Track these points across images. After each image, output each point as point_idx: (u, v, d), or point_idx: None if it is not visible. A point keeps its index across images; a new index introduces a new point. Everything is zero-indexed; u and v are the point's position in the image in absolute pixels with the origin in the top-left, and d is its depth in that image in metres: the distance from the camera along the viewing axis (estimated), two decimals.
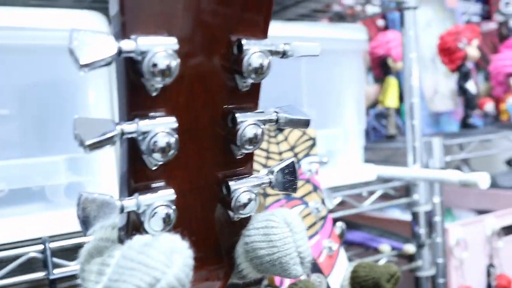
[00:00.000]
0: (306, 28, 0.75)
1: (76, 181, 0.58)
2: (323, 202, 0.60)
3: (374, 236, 0.82)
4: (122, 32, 0.27)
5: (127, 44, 0.27)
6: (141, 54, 0.27)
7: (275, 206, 0.57)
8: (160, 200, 0.30)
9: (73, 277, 0.52)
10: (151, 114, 0.29)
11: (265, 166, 0.58)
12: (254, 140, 0.32)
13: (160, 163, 0.29)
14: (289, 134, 0.61)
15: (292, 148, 0.61)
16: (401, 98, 1.06)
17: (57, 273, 0.52)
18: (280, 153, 0.60)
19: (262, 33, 0.32)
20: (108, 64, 0.26)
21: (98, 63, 0.26)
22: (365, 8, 0.91)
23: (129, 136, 0.28)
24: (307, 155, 0.62)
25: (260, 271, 0.34)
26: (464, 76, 1.10)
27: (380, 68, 1.07)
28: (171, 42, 0.28)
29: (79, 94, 0.58)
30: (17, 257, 0.48)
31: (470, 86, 1.11)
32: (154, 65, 0.27)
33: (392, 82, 1.04)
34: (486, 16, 1.39)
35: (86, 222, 0.28)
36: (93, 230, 0.28)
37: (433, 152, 0.82)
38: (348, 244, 0.84)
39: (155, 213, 0.30)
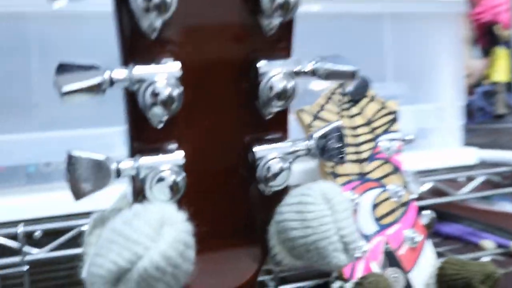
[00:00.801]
0: None
1: None
2: (405, 186, 0.52)
3: (476, 230, 0.71)
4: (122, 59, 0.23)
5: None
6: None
7: (346, 188, 0.49)
8: (165, 163, 0.25)
9: None
10: (152, 59, 0.24)
11: None
12: (283, 96, 0.26)
13: (163, 118, 0.24)
14: (366, 107, 0.53)
15: (368, 123, 0.53)
16: None
17: None
18: (353, 128, 0.52)
19: (284, 51, 0.26)
20: (99, 93, 0.23)
21: (82, 92, 0.22)
22: None
23: (121, 84, 0.24)
24: (386, 131, 0.53)
25: (295, 256, 0.28)
26: None
27: (486, 37, 0.93)
28: None
29: None
30: (69, 229, 0.47)
31: None
32: None
33: (500, 53, 0.90)
34: None
35: (75, 187, 0.24)
36: (85, 196, 0.24)
37: None
38: (443, 238, 0.73)
39: (159, 179, 0.25)
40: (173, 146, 0.26)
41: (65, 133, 0.52)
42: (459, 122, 0.70)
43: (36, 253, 0.46)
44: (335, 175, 0.50)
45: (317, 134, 0.28)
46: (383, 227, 0.49)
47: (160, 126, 0.25)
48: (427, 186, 0.60)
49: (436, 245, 0.74)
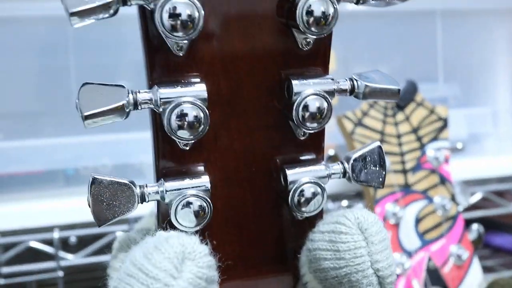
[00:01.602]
0: None
1: None
2: (453, 198, 0.49)
3: None
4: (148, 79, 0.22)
5: None
6: (152, 1, 0.21)
7: (388, 200, 0.47)
8: (192, 188, 0.24)
9: None
10: (179, 80, 0.23)
11: None
12: (318, 117, 0.24)
13: (190, 141, 0.23)
14: (412, 113, 0.50)
15: (415, 131, 0.50)
16: None
17: None
18: (398, 136, 0.49)
19: (321, 66, 0.24)
20: (111, 14, 0.21)
21: (92, 12, 0.20)
22: None
23: (145, 107, 0.22)
24: (434, 139, 0.50)
25: (327, 287, 0.26)
26: None
27: None
28: None
29: None
30: (103, 235, 0.47)
31: None
32: (171, 15, 0.21)
33: None
34: None
35: (98, 213, 0.23)
36: (108, 223, 0.23)
37: None
38: (493, 250, 0.69)
39: (185, 204, 0.24)
40: (201, 169, 0.25)
41: (105, 137, 0.52)
42: None
43: (71, 259, 0.46)
44: None
45: (354, 155, 0.26)
46: (427, 242, 0.47)
47: (187, 148, 0.24)
48: (477, 197, 0.56)
49: (485, 258, 0.70)
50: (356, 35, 0.61)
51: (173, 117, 0.22)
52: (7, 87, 0.52)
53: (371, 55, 0.63)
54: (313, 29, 0.23)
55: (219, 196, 0.25)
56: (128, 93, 0.22)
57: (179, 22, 0.21)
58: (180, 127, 0.22)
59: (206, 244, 0.24)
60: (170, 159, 0.24)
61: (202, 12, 0.21)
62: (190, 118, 0.22)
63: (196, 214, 0.24)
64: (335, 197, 0.54)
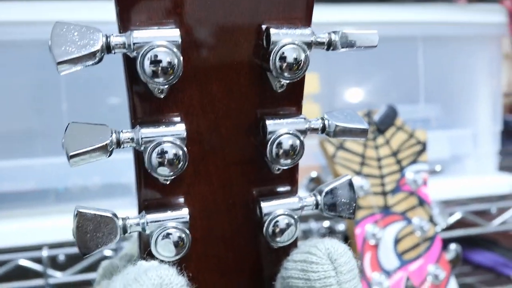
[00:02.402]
0: (430, 10, 0.64)
1: None
2: (431, 219, 0.51)
3: (509, 261, 0.68)
4: (120, 24, 0.23)
5: (116, 39, 0.22)
6: (135, 50, 0.23)
7: (368, 221, 0.49)
8: (171, 220, 0.25)
9: None
10: (160, 120, 0.25)
11: (358, 173, 0.50)
12: (291, 154, 0.26)
13: (170, 178, 0.25)
14: (392, 137, 0.52)
15: (394, 154, 0.52)
16: None
17: None
18: (378, 159, 0.51)
19: (303, 19, 0.25)
20: (96, 62, 0.22)
21: (78, 60, 0.22)
22: None
23: (128, 145, 0.24)
24: (413, 162, 0.52)
25: None
26: None
27: None
28: (173, 34, 0.23)
29: None
30: None
31: None
32: (152, 62, 0.23)
33: None
34: None
35: (82, 244, 0.25)
36: (91, 253, 0.25)
37: None
38: (473, 267, 0.71)
39: (165, 235, 0.25)
40: (181, 201, 0.26)
41: None
42: (495, 147, 0.68)
43: (59, 277, 0.47)
44: (357, 207, 0.49)
45: (326, 188, 0.28)
46: (406, 262, 0.48)
47: (167, 183, 0.25)
48: (456, 217, 0.58)
49: (465, 275, 0.72)
50: (340, 57, 0.62)
51: (154, 155, 0.24)
52: None
53: (355, 77, 0.65)
54: (286, 74, 0.24)
55: (198, 227, 0.27)
56: (112, 133, 0.24)
57: (160, 69, 0.23)
58: (161, 164, 0.24)
59: (183, 275, 0.25)
60: (152, 193, 0.26)
61: (181, 59, 0.23)
62: (169, 156, 0.24)
63: (176, 244, 0.25)
64: (318, 217, 0.56)
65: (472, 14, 0.64)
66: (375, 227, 0.48)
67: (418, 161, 0.52)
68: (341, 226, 0.52)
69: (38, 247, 0.47)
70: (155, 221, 0.25)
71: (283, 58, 0.24)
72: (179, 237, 0.25)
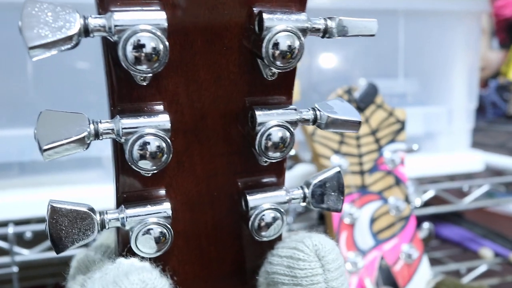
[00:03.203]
0: None
1: None
2: (406, 199, 0.51)
3: (476, 236, 0.70)
4: (98, 5, 0.21)
5: (95, 21, 0.20)
6: (116, 33, 0.20)
7: (345, 200, 0.48)
8: (152, 215, 0.24)
9: None
10: (142, 109, 0.23)
11: (337, 152, 0.49)
12: (281, 147, 0.24)
13: (153, 171, 0.23)
14: (372, 115, 0.51)
15: (373, 132, 0.51)
16: None
17: None
18: (357, 138, 0.50)
19: (297, 2, 0.23)
20: (72, 46, 0.20)
21: (53, 45, 0.19)
22: None
23: (107, 137, 0.22)
24: (392, 141, 0.52)
25: None
26: None
27: (506, 33, 0.89)
28: (158, 17, 0.21)
29: None
30: None
31: None
32: (135, 47, 0.21)
33: None
34: None
35: (56, 241, 0.23)
36: (67, 250, 0.23)
37: None
38: (442, 241, 0.72)
39: (145, 231, 0.24)
40: (162, 193, 0.25)
41: None
42: (469, 125, 0.68)
43: (26, 254, 0.45)
44: None
45: (314, 181, 0.27)
46: (380, 242, 0.49)
47: (148, 175, 0.24)
48: (429, 194, 0.59)
49: (434, 249, 0.74)
50: None
51: (136, 148, 0.22)
52: None
53: (334, 51, 0.63)
54: (278, 63, 0.23)
55: (180, 220, 0.25)
56: (89, 123, 0.22)
57: (143, 55, 0.21)
58: (142, 158, 0.22)
59: (165, 270, 0.24)
60: (131, 184, 0.24)
61: (167, 45, 0.21)
62: (152, 149, 0.22)
63: (157, 240, 0.24)
64: None
65: None
66: (352, 207, 0.48)
67: (396, 140, 0.52)
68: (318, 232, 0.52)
69: (4, 224, 0.44)
70: (135, 216, 0.24)
71: (276, 45, 0.22)
72: (161, 232, 0.24)
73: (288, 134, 0.24)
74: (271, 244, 0.27)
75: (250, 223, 0.26)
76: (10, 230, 0.44)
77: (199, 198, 0.26)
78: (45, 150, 0.21)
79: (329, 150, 0.49)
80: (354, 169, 0.49)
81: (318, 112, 0.25)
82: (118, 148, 0.23)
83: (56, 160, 0.27)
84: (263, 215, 0.26)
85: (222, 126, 0.25)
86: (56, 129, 0.21)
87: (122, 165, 0.24)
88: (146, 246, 0.24)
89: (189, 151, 0.25)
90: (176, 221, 0.25)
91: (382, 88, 0.54)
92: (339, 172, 0.27)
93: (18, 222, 0.45)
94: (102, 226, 0.24)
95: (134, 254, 0.24)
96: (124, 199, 0.24)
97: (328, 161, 0.49)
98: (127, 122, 0.22)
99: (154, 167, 0.23)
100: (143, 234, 0.24)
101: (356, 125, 0.26)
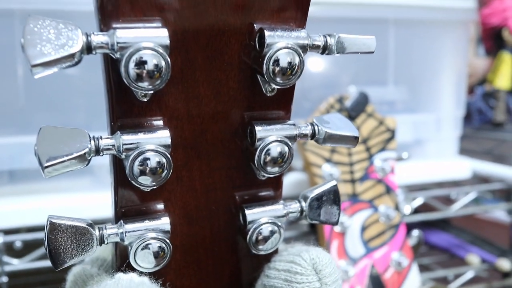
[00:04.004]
0: None
1: None
2: (396, 207, 0.51)
3: (463, 243, 0.71)
4: (100, 19, 0.21)
5: (98, 38, 0.20)
6: (119, 50, 0.20)
7: None
8: (151, 230, 0.24)
9: None
10: (142, 124, 0.23)
11: (329, 161, 0.50)
12: (280, 162, 0.25)
13: (150, 188, 0.23)
14: (363, 124, 0.52)
15: (364, 141, 0.52)
16: None
17: None
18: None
19: (297, 19, 0.24)
20: (75, 63, 0.20)
21: (55, 63, 0.19)
22: None
23: (108, 153, 0.22)
24: (382, 149, 0.52)
25: None
26: None
27: (493, 41, 0.90)
28: (161, 35, 0.21)
29: None
30: None
31: None
32: (137, 64, 0.21)
33: (506, 58, 0.88)
34: None
35: (55, 256, 0.23)
36: (65, 265, 0.23)
37: None
38: (430, 247, 0.73)
39: (144, 246, 0.24)
40: (160, 207, 0.25)
41: None
42: (457, 132, 0.69)
43: (16, 264, 0.45)
44: None
45: (311, 195, 0.27)
46: (371, 250, 0.49)
47: (148, 190, 0.24)
48: (418, 201, 0.59)
49: (422, 255, 0.75)
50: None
51: (136, 164, 0.22)
52: None
53: (324, 58, 0.64)
54: (278, 79, 0.23)
55: (178, 234, 0.25)
56: (90, 139, 0.22)
57: (146, 73, 0.21)
58: (143, 173, 0.22)
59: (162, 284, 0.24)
60: (130, 199, 0.24)
61: (169, 62, 0.21)
62: (152, 165, 0.22)
63: (156, 255, 0.24)
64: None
65: None
66: (343, 215, 0.49)
67: (387, 149, 0.52)
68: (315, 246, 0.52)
69: None
70: (135, 231, 0.24)
71: (276, 62, 0.23)
72: (159, 247, 0.24)
73: (286, 149, 0.25)
74: (267, 257, 0.27)
75: (248, 237, 0.26)
76: (0, 239, 0.43)
77: (197, 212, 0.26)
78: (46, 167, 0.21)
79: (321, 158, 0.49)
80: (345, 178, 0.50)
81: (316, 127, 0.26)
82: (117, 163, 0.23)
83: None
84: (261, 229, 0.26)
85: (221, 141, 0.25)
86: (56, 145, 0.21)
87: (121, 179, 0.24)
88: (145, 261, 0.24)
89: (188, 166, 0.25)
90: (174, 235, 0.25)
91: (372, 96, 0.54)
92: (335, 185, 0.28)
93: (7, 231, 0.45)
94: (101, 241, 0.23)
95: (132, 269, 0.24)
96: (123, 213, 0.24)
97: (320, 170, 0.49)
98: (128, 138, 0.22)
99: (154, 183, 0.23)
100: (142, 249, 0.24)
101: (354, 140, 0.26)
